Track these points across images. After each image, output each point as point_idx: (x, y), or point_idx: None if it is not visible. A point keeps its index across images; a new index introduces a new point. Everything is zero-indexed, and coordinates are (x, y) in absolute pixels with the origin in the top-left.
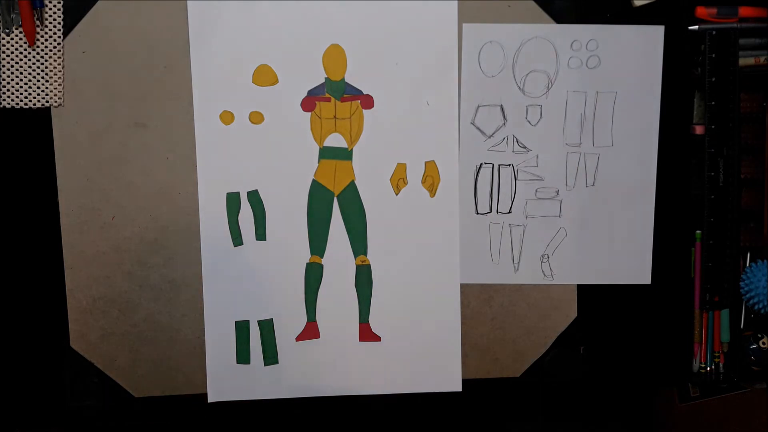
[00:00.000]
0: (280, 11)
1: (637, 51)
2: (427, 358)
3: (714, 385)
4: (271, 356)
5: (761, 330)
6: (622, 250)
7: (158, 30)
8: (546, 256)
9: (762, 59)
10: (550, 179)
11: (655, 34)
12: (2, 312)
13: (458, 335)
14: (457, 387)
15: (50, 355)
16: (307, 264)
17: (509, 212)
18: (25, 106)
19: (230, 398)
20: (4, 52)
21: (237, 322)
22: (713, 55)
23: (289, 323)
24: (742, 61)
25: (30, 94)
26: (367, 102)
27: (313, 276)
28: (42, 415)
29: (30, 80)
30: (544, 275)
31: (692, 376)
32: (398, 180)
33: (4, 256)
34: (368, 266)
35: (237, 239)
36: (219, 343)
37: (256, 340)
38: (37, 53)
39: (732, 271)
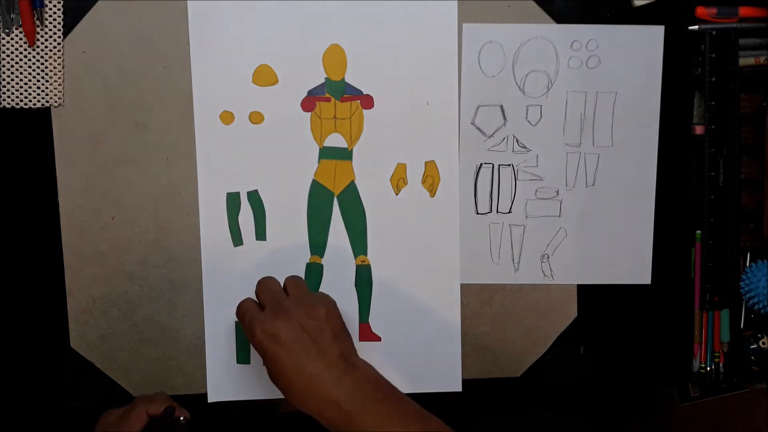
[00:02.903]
0: (280, 11)
1: (637, 51)
2: (427, 358)
3: (714, 385)
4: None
5: (761, 330)
6: (622, 250)
7: (158, 30)
8: (546, 256)
9: (762, 59)
10: (550, 179)
11: (655, 34)
12: (2, 312)
13: (458, 335)
14: (457, 387)
15: (50, 355)
16: (307, 264)
17: (509, 212)
18: (25, 106)
19: (230, 398)
20: (4, 52)
21: (237, 323)
22: (713, 55)
23: None
24: (742, 61)
25: (30, 94)
26: (367, 102)
27: (313, 276)
28: (42, 415)
29: (30, 80)
30: (544, 275)
31: (692, 376)
32: (398, 180)
33: (4, 256)
34: (368, 266)
35: (237, 239)
36: (219, 343)
37: None
38: (37, 53)
39: (732, 271)
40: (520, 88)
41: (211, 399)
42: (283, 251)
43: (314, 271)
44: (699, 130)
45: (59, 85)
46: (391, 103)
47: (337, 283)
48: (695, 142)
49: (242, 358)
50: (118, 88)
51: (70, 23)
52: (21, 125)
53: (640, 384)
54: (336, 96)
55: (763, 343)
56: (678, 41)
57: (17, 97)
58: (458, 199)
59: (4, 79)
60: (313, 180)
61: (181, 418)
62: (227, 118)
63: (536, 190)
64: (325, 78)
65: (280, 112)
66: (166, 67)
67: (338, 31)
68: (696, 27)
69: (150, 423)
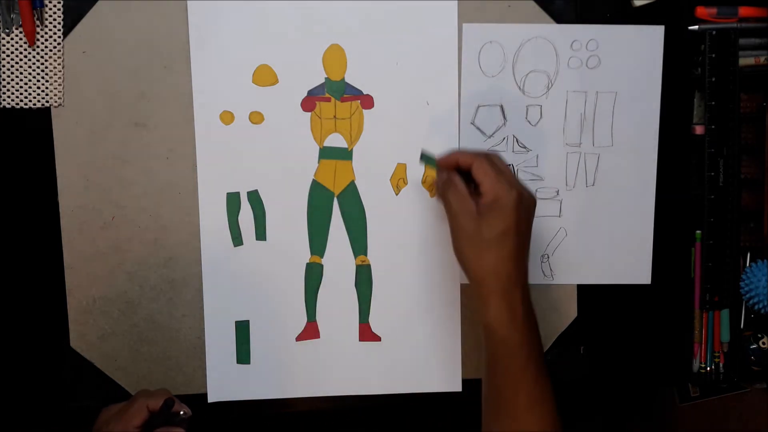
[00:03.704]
0: (280, 11)
1: (637, 51)
2: (427, 358)
3: (714, 385)
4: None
5: (761, 330)
6: (622, 250)
7: (158, 30)
8: (546, 256)
9: (762, 59)
10: (550, 179)
11: (655, 34)
12: (2, 312)
13: (458, 335)
14: (457, 387)
15: (50, 355)
16: (307, 264)
17: None
18: (25, 106)
19: (230, 398)
20: (4, 52)
21: (237, 322)
22: (713, 55)
23: (289, 323)
24: (742, 61)
25: (30, 94)
26: (367, 102)
27: (313, 276)
28: (42, 415)
29: (30, 80)
30: (544, 275)
31: (692, 376)
32: (398, 180)
33: (4, 256)
34: (368, 266)
35: (237, 239)
36: (219, 343)
37: (256, 340)
38: (37, 53)
39: (732, 271)
40: (520, 88)
41: (211, 399)
42: (283, 251)
43: (314, 271)
44: (699, 130)
45: (59, 85)
46: (391, 103)
47: (337, 283)
48: (695, 142)
49: (242, 358)
50: (118, 88)
51: (70, 23)
52: (21, 125)
53: (640, 384)
54: (336, 96)
55: (763, 343)
56: (678, 41)
57: (17, 97)
58: None
59: (4, 79)
60: (313, 180)
61: (181, 413)
62: (227, 118)
63: (536, 190)
64: (325, 78)
65: (280, 112)
66: (166, 67)
67: (338, 31)
68: (696, 27)
69: (150, 418)
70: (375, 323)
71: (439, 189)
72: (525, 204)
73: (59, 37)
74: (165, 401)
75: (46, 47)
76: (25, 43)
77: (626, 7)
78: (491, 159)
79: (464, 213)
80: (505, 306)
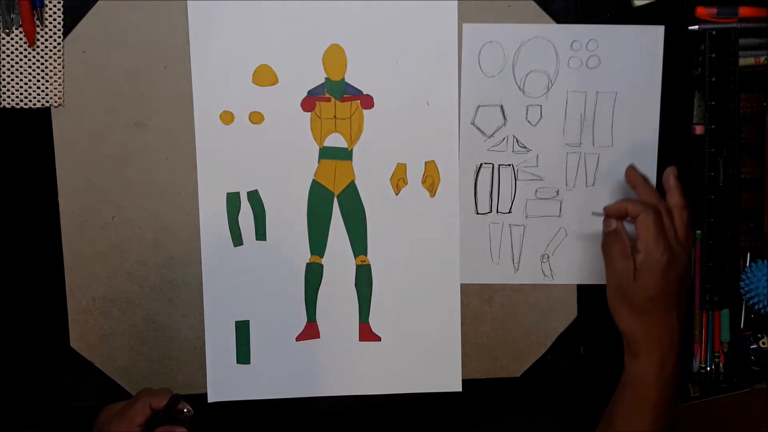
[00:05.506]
0: (280, 11)
1: (637, 51)
2: (427, 358)
3: (714, 385)
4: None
5: (761, 330)
6: None
7: (158, 30)
8: (546, 256)
9: (762, 59)
10: (550, 179)
11: (655, 34)
12: (2, 312)
13: (458, 335)
14: (457, 387)
15: (50, 355)
16: (307, 264)
17: (509, 212)
18: (25, 106)
19: (230, 398)
20: (4, 52)
21: (237, 322)
22: (713, 55)
23: (289, 323)
24: (742, 61)
25: (30, 94)
26: (367, 102)
27: (313, 276)
28: (42, 415)
29: (30, 80)
30: (544, 275)
31: (692, 376)
32: (398, 180)
33: (4, 256)
34: (368, 266)
35: (237, 239)
36: (219, 343)
37: (256, 340)
38: (37, 53)
39: (732, 271)
40: (520, 88)
41: (211, 399)
42: (283, 251)
43: (314, 271)
44: (699, 130)
45: (59, 85)
46: (391, 103)
47: (337, 283)
48: (695, 142)
49: (242, 358)
50: (118, 88)
51: (70, 23)
52: (21, 125)
53: None
54: (336, 96)
55: (763, 343)
56: (678, 41)
57: (17, 97)
58: (458, 199)
59: (4, 79)
60: (313, 180)
61: (185, 410)
62: (227, 118)
63: (536, 190)
64: (325, 78)
65: (280, 112)
66: (166, 67)
67: (338, 31)
68: (696, 27)
69: (153, 416)
70: (375, 323)
71: (603, 238)
72: (677, 267)
73: (59, 37)
74: (171, 397)
75: (46, 47)
76: (25, 43)
77: (626, 7)
78: (658, 213)
79: (623, 272)
80: (655, 364)
